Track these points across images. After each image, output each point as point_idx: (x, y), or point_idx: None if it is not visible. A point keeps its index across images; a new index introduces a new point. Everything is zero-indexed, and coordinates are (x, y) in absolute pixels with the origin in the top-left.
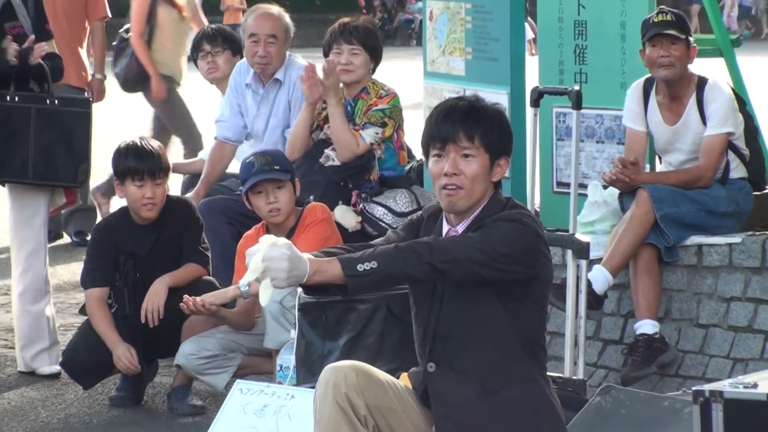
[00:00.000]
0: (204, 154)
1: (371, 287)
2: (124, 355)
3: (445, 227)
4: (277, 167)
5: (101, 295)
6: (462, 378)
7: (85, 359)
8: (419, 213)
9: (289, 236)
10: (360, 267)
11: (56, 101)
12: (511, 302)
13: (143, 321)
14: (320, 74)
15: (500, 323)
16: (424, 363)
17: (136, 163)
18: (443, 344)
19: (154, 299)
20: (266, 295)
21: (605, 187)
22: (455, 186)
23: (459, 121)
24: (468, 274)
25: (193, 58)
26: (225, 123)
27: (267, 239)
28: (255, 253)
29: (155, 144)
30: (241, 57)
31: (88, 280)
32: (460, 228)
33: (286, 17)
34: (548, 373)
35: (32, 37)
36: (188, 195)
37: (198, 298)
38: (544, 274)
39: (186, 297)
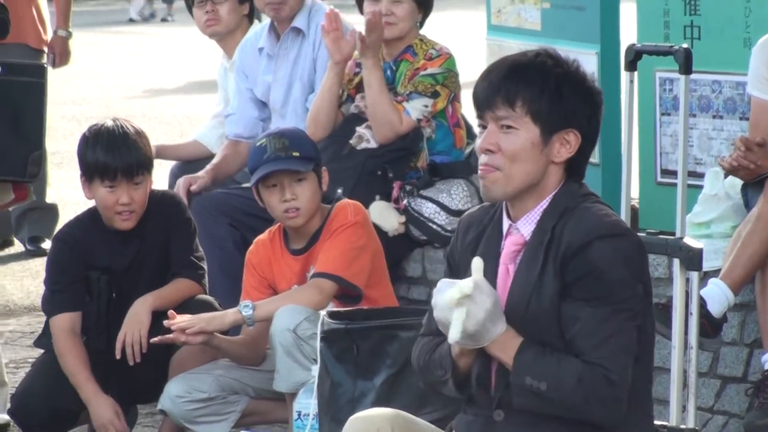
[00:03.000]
0: (199, 136)
1: (530, 408)
2: (110, 420)
3: (506, 223)
4: (296, 153)
5: (72, 323)
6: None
7: (41, 406)
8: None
9: (311, 243)
10: (528, 381)
11: None
12: None
13: (119, 356)
14: (357, 28)
15: None
16: (488, 410)
17: (107, 157)
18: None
19: (135, 327)
20: (457, 329)
21: (726, 176)
22: (489, 166)
23: (497, 81)
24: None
25: (188, 5)
26: (235, 116)
27: (479, 265)
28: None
29: (133, 129)
30: (252, 7)
31: (52, 306)
32: (523, 226)
33: None
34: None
35: None
36: (190, 185)
37: (183, 322)
38: (647, 298)
39: (171, 314)
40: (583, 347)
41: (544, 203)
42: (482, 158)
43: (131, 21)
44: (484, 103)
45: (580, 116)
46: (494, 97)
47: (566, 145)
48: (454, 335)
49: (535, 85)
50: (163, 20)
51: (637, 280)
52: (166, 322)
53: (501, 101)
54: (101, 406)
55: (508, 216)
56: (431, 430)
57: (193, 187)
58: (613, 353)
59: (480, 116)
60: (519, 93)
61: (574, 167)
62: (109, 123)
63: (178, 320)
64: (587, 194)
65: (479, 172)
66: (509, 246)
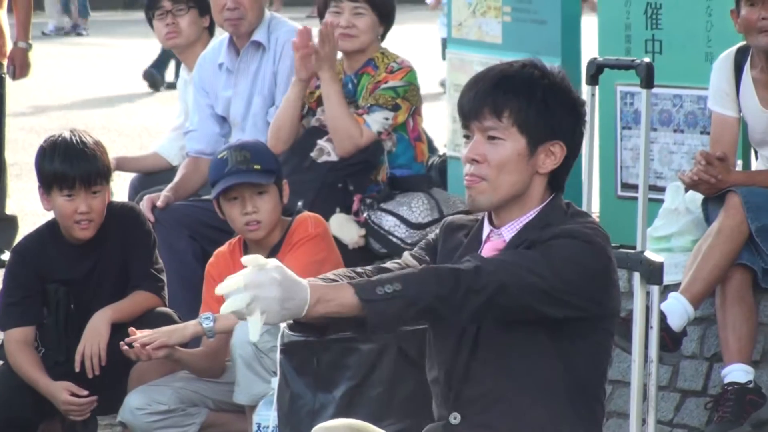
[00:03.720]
0: (159, 148)
1: (396, 318)
2: (68, 401)
3: (486, 229)
4: (257, 166)
5: (25, 336)
6: None
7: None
8: (436, 231)
9: (272, 255)
10: (379, 290)
11: None
12: (566, 343)
13: (78, 369)
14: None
15: (548, 369)
16: (445, 412)
17: (64, 166)
18: (472, 390)
19: (94, 340)
20: (255, 332)
21: (686, 191)
22: (475, 176)
23: (484, 91)
24: (517, 305)
25: (148, 18)
26: (195, 133)
27: (251, 260)
28: (234, 280)
29: (91, 139)
30: (212, 19)
31: (6, 319)
32: (506, 232)
33: None
34: None
35: None
36: (153, 204)
37: (144, 337)
38: (611, 307)
39: (131, 331)
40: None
41: (530, 215)
42: (467, 168)
43: (44, 35)
44: (470, 113)
45: (565, 127)
46: (481, 107)
47: (551, 156)
48: (253, 337)
49: (522, 96)
50: (78, 34)
51: (586, 279)
52: (126, 340)
53: (488, 111)
54: (56, 390)
55: (491, 223)
56: None
57: (159, 203)
58: (489, 261)
59: (465, 126)
60: (506, 104)
61: (557, 178)
62: (66, 134)
63: (139, 336)
64: (569, 204)
65: (465, 182)
66: (488, 250)
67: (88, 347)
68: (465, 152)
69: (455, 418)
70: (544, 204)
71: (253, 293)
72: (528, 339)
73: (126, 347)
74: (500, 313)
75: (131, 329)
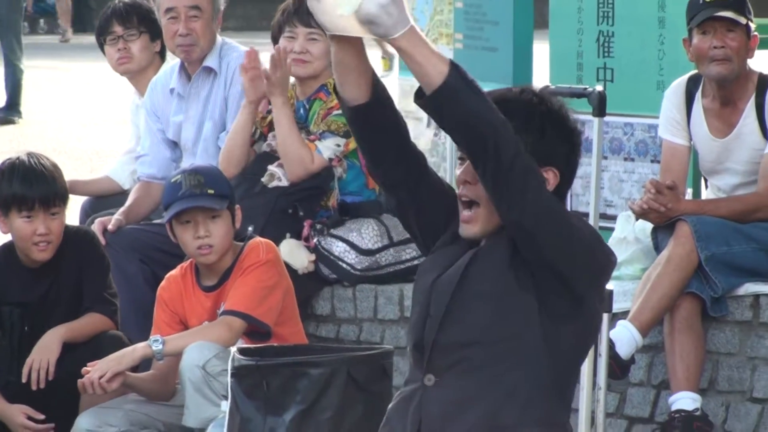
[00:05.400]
0: (110, 172)
1: (463, 105)
2: (22, 423)
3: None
4: (211, 191)
5: None
6: (467, 403)
7: None
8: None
9: (223, 280)
10: (470, 77)
11: None
12: (553, 321)
13: (25, 380)
14: (267, 65)
15: (533, 344)
16: (420, 374)
17: (24, 189)
18: (451, 354)
19: (44, 355)
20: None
21: (636, 220)
22: (468, 199)
23: None
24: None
25: (99, 43)
26: (147, 157)
27: None
28: None
29: (49, 162)
30: (163, 44)
31: None
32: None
33: None
34: None
35: None
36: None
37: (96, 376)
38: (596, 306)
39: (89, 366)
40: None
41: None
42: (461, 189)
43: None
44: None
45: (560, 155)
46: None
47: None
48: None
49: (519, 120)
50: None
51: (595, 241)
52: (80, 381)
53: None
54: (12, 414)
55: None
56: None
57: (110, 227)
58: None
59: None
60: None
61: None
62: (24, 156)
63: (90, 373)
64: None
65: (461, 214)
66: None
67: (36, 361)
68: (458, 173)
69: (429, 380)
70: None
71: None
72: (518, 306)
73: (81, 384)
74: (509, 178)
75: (84, 369)
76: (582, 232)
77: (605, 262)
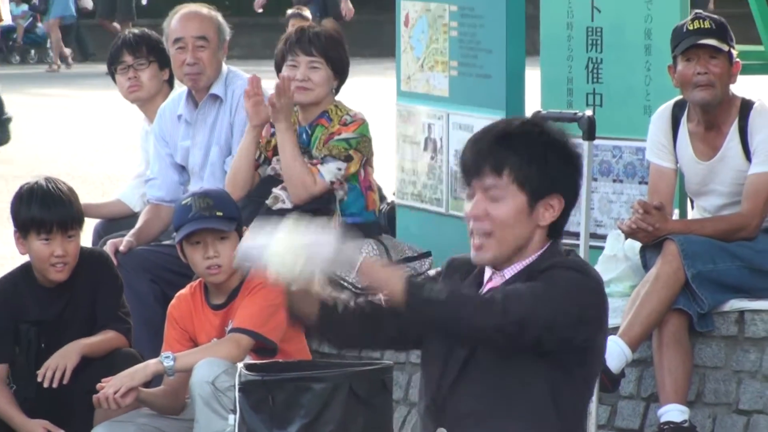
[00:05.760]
0: (121, 195)
1: (424, 324)
2: None
3: (488, 272)
4: (219, 213)
5: None
6: None
7: None
8: (439, 268)
9: (231, 299)
10: (425, 292)
11: None
12: (559, 372)
13: (40, 379)
14: (270, 92)
15: (540, 398)
16: (432, 425)
17: (42, 212)
18: (461, 407)
19: (62, 360)
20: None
21: (626, 239)
22: (483, 232)
23: (486, 149)
24: (535, 339)
25: (110, 72)
26: (156, 181)
27: (288, 225)
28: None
29: (65, 187)
30: (171, 72)
31: None
32: (508, 273)
33: (218, 16)
34: None
35: None
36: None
37: (111, 392)
38: (601, 341)
39: (103, 382)
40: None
41: (530, 260)
42: (471, 224)
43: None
44: (472, 170)
45: (563, 181)
46: (482, 165)
47: (550, 209)
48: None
49: (522, 153)
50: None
51: (581, 309)
52: (95, 397)
53: (489, 169)
54: (32, 428)
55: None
56: None
57: (122, 248)
58: (516, 298)
59: (468, 183)
60: (506, 161)
61: (555, 226)
62: (42, 181)
63: (105, 388)
64: (569, 251)
65: (471, 241)
66: (489, 288)
67: (53, 364)
68: (467, 209)
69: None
70: (543, 250)
71: (308, 242)
72: (522, 367)
73: (96, 399)
74: (519, 347)
75: (99, 385)
76: (572, 305)
77: (600, 302)
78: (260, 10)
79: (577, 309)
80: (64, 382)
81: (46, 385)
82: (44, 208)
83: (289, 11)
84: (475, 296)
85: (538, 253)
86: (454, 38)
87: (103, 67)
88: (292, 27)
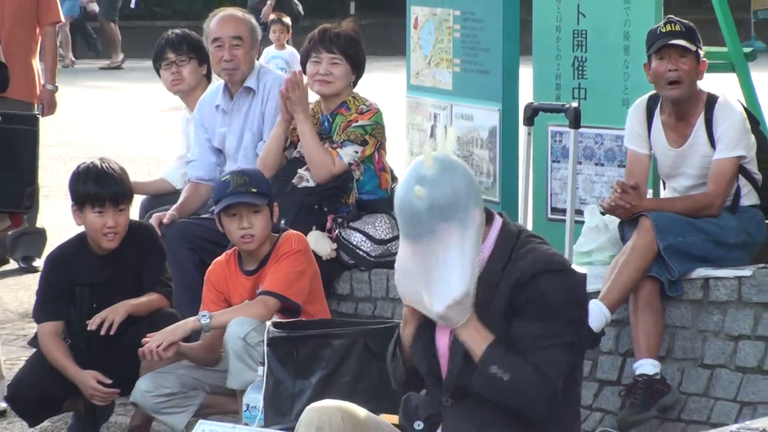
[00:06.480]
0: (165, 174)
1: (485, 395)
2: (93, 387)
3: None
4: (254, 189)
5: (55, 329)
6: (484, 423)
7: (31, 393)
8: None
9: (261, 266)
10: (493, 369)
11: None
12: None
13: (92, 327)
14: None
15: None
16: (438, 393)
17: (97, 188)
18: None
19: (111, 314)
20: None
21: (603, 214)
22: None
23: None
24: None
25: (155, 67)
26: (196, 162)
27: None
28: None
29: (117, 166)
30: (209, 67)
31: (40, 314)
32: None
33: (252, 19)
34: None
35: None
36: (161, 221)
37: (154, 345)
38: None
39: (148, 337)
40: (529, 355)
41: (486, 250)
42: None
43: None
44: None
45: None
46: None
47: None
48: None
49: None
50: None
51: (576, 308)
52: (140, 350)
53: None
54: (85, 378)
55: None
56: (368, 415)
57: (165, 221)
58: (552, 361)
59: None
60: None
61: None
62: (97, 161)
63: (149, 343)
64: (529, 235)
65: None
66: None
67: (104, 314)
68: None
69: (447, 401)
70: (496, 236)
71: None
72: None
73: (141, 352)
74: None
75: (144, 339)
76: (575, 313)
77: (585, 297)
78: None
79: (579, 312)
80: (111, 333)
81: (95, 328)
82: (98, 185)
83: (271, 17)
84: (532, 380)
85: (494, 239)
86: (457, 39)
87: (148, 63)
88: (273, 33)
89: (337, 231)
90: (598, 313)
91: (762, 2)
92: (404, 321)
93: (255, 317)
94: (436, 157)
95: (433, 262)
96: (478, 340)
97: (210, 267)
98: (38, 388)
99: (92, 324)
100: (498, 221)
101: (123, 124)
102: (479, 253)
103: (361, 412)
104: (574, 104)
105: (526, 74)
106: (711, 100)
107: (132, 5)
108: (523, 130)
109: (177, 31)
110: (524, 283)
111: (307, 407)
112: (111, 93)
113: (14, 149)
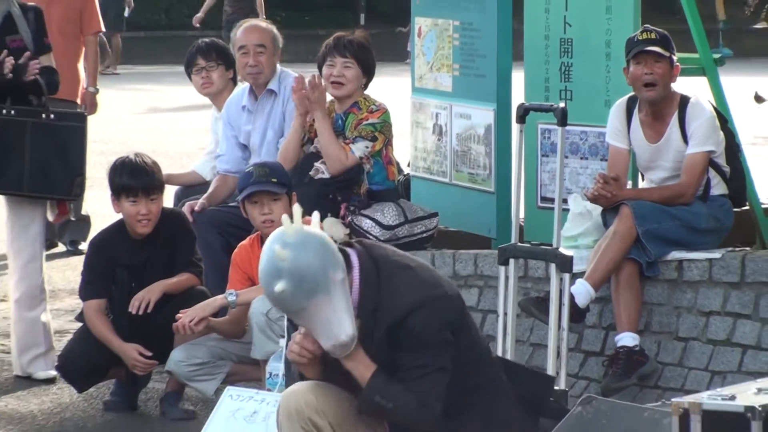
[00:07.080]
0: (196, 167)
1: (378, 417)
2: (135, 358)
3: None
4: (274, 179)
5: (99, 306)
6: None
7: (80, 362)
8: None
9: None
10: (377, 398)
11: (51, 115)
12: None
13: (132, 310)
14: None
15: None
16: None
17: (131, 180)
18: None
19: (147, 294)
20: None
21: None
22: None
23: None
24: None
25: (187, 73)
26: (224, 156)
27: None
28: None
29: (150, 160)
30: (235, 72)
31: (86, 293)
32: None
33: (274, 29)
34: None
35: (28, 53)
36: (192, 209)
37: (186, 320)
38: (466, 313)
39: (181, 313)
40: (408, 384)
41: (355, 294)
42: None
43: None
44: None
45: None
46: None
47: None
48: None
49: None
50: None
51: (445, 328)
52: (174, 325)
53: None
54: (128, 350)
55: None
56: (338, 391)
57: (196, 208)
58: (427, 390)
59: None
60: None
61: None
62: (132, 156)
63: (182, 318)
64: (387, 264)
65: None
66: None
67: (141, 295)
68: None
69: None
70: (359, 280)
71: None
72: None
73: (175, 327)
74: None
75: (178, 315)
76: (444, 335)
77: (456, 311)
78: (198, 25)
79: (447, 332)
80: (148, 311)
81: (133, 311)
82: (132, 177)
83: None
84: (413, 406)
85: (356, 286)
86: (456, 46)
87: (180, 68)
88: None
89: (349, 218)
90: (583, 291)
91: (721, 14)
92: (303, 370)
93: None
94: (285, 243)
95: (312, 324)
96: (362, 370)
97: (236, 250)
98: (85, 359)
99: (132, 308)
100: (355, 265)
101: (158, 122)
102: (351, 299)
103: (332, 388)
104: (562, 104)
105: (518, 78)
106: (684, 101)
107: (126, 14)
108: (515, 127)
109: (206, 39)
110: (397, 324)
111: (283, 393)
112: (147, 95)
113: (65, 144)
